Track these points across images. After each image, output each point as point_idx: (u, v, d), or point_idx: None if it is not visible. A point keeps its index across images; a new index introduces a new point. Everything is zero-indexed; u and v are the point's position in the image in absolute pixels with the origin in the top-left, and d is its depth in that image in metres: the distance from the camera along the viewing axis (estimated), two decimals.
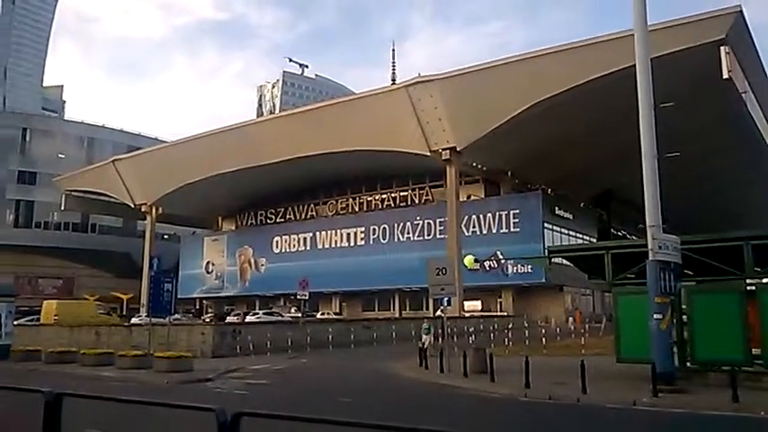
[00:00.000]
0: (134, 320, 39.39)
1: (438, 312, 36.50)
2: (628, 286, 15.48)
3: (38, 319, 37.30)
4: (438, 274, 18.28)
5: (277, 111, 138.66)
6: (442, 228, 47.47)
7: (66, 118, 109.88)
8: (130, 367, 19.97)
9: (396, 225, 52.63)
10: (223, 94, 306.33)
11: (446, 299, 19.25)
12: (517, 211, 46.96)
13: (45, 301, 40.27)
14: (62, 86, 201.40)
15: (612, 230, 56.63)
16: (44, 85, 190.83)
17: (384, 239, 53.17)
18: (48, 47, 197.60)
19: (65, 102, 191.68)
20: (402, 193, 54.93)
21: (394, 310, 52.80)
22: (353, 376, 18.56)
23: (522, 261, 42.72)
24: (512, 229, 46.83)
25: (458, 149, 39.96)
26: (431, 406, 12.61)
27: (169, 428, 8.41)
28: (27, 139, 72.20)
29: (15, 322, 28.15)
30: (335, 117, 44.31)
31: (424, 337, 22.47)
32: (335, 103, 48.54)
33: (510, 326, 33.02)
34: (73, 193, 62.07)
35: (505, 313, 45.69)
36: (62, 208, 63.92)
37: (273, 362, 22.81)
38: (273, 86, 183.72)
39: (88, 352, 22.42)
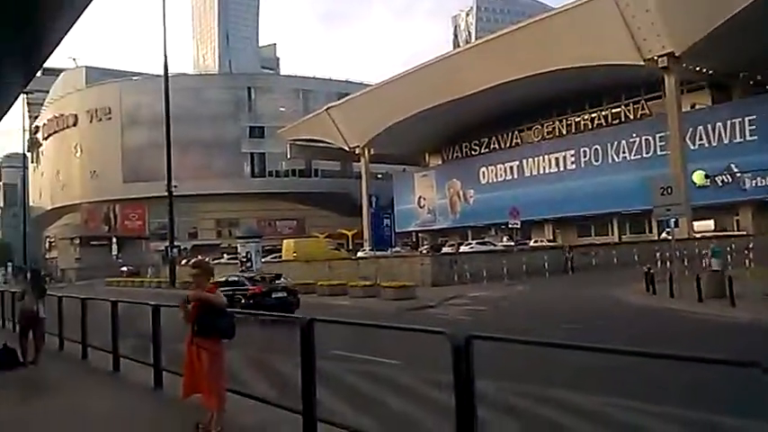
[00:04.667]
0: (359, 254, 42.57)
1: (663, 235, 34.10)
2: None
3: (280, 257, 42.19)
4: (663, 194, 17.01)
5: (473, 39, 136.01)
6: (662, 143, 43.44)
7: (282, 74, 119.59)
8: (361, 296, 21.97)
9: (609, 145, 49.32)
10: (419, 31, 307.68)
11: (672, 220, 17.88)
12: (753, 117, 40.99)
13: (285, 241, 45.17)
14: (275, 44, 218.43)
15: None
16: (260, 45, 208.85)
17: (596, 161, 50.29)
18: (259, 8, 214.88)
19: (279, 58, 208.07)
20: (614, 110, 51.09)
21: (612, 234, 50.26)
22: (575, 303, 18.26)
23: (763, 173, 37.68)
24: (747, 138, 41.14)
25: (676, 54, 35.79)
26: (666, 332, 11.99)
27: (403, 350, 9.14)
28: (252, 97, 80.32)
29: (263, 260, 32.39)
30: (535, 37, 42.20)
31: (714, 261, 20.76)
32: (533, 22, 46.05)
33: (750, 246, 29.61)
34: (296, 142, 67.98)
35: (744, 232, 40.92)
36: (288, 157, 70.54)
37: (491, 289, 23.36)
38: (468, 15, 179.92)
39: (324, 283, 25.05)
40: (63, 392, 8.35)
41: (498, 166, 58.58)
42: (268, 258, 38.13)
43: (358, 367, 8.63)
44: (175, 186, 41.99)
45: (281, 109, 74.87)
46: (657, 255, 25.44)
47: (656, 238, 37.58)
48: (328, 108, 61.97)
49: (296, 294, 18.11)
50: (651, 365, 4.96)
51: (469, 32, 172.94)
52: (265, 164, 78.25)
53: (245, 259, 29.47)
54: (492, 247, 40.04)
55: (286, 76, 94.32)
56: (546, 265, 29.32)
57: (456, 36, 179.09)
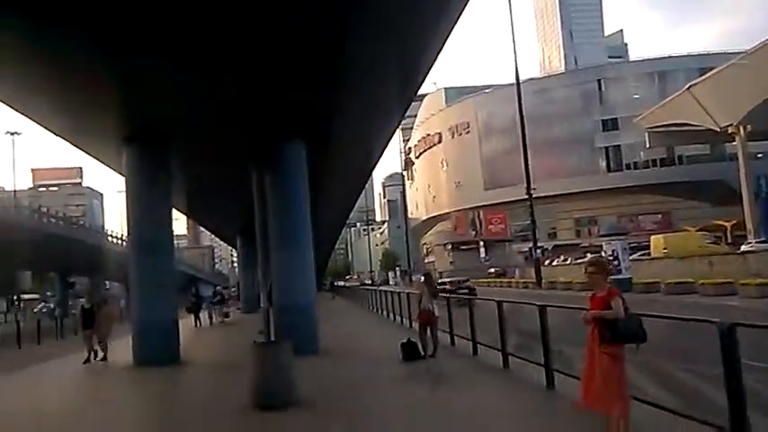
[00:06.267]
0: (744, 248, 37.03)
1: None
2: None
3: (647, 254, 39.47)
4: None
5: None
6: None
7: (632, 59, 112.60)
8: (756, 296, 19.05)
9: None
10: None
11: None
12: None
13: (653, 237, 42.09)
14: (621, 31, 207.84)
15: None
16: (605, 35, 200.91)
17: None
18: None
19: (626, 44, 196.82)
20: None
21: None
22: None
23: None
24: None
25: None
26: None
27: None
28: (602, 89, 77.56)
29: (630, 257, 30.75)
30: None
31: None
32: None
33: None
34: (654, 129, 62.96)
35: None
36: (647, 146, 65.64)
37: None
38: None
39: (706, 282, 22.47)
40: (461, 385, 9.15)
41: None
42: (635, 256, 35.97)
43: None
44: (534, 189, 43.00)
45: (635, 96, 70.61)
46: None
47: None
48: (690, 86, 55.75)
49: (474, 290, 28.97)
50: None
51: None
52: (621, 157, 74.77)
53: (611, 257, 28.30)
54: None
55: (636, 61, 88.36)
56: None
57: None
